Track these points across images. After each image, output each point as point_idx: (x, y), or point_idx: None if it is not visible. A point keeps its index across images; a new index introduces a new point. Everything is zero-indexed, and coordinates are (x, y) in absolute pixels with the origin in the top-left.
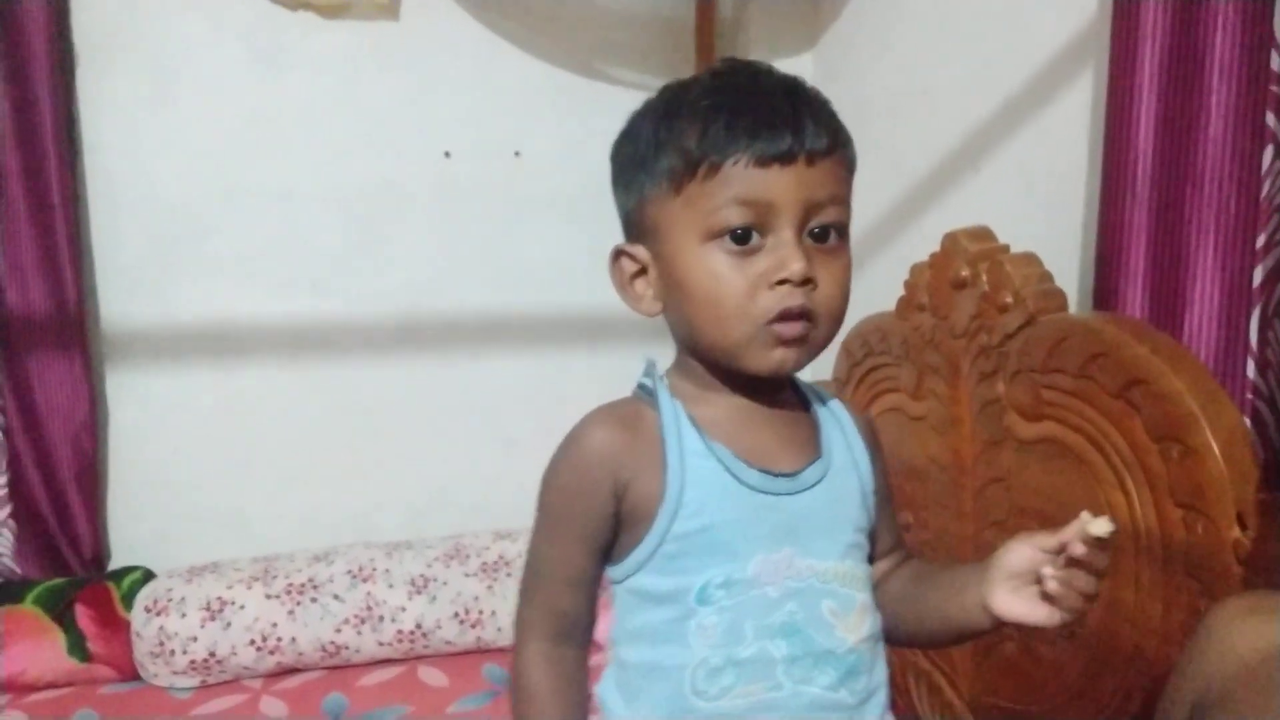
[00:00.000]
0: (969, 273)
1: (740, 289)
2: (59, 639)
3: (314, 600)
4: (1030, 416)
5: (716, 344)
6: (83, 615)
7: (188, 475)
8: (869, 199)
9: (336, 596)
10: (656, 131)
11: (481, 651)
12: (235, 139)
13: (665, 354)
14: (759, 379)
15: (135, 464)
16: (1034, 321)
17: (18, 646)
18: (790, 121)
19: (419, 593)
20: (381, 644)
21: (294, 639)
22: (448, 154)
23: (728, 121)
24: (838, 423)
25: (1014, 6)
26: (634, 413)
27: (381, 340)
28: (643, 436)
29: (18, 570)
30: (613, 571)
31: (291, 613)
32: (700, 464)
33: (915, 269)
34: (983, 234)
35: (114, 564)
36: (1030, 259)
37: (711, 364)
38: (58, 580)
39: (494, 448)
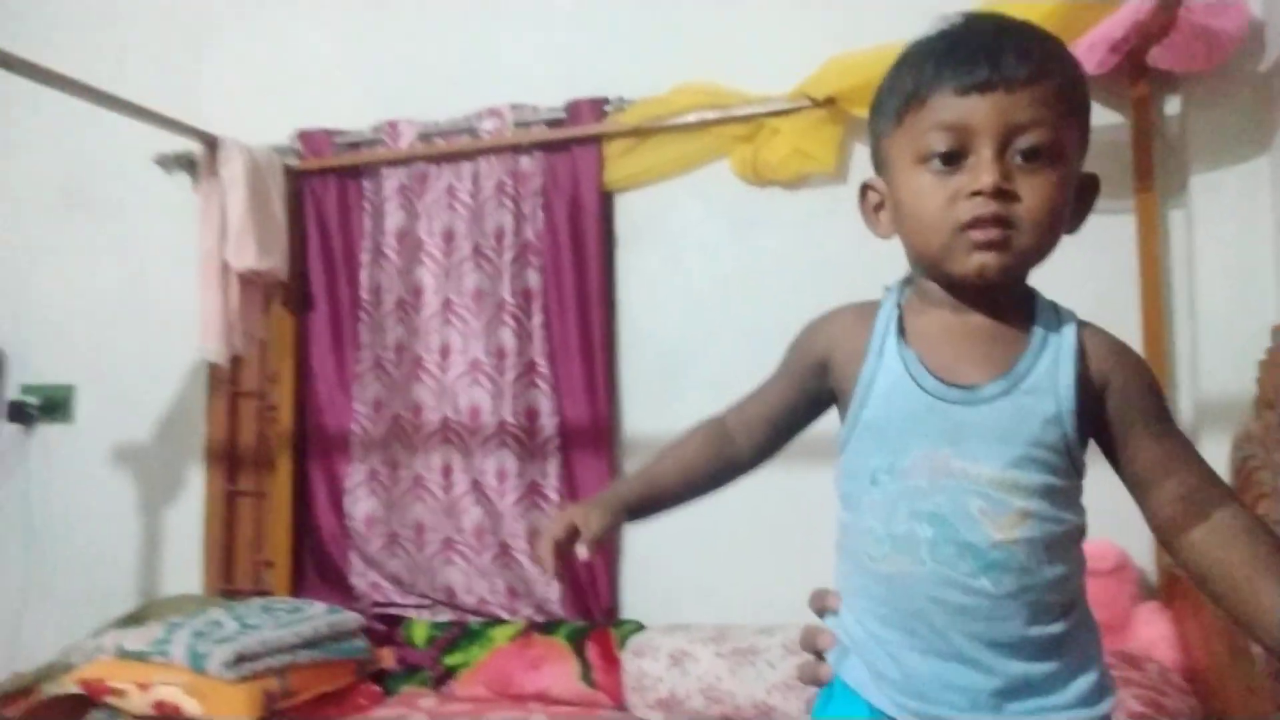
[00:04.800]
0: None
1: (940, 201)
2: (575, 667)
3: (752, 664)
4: None
5: (923, 253)
6: (592, 651)
7: (674, 554)
8: None
9: (770, 664)
10: (889, 80)
11: None
12: (720, 289)
13: None
14: (974, 290)
15: (639, 542)
16: None
17: (549, 667)
18: (989, 54)
19: None
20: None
21: (732, 693)
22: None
23: (936, 60)
24: (1056, 347)
25: None
26: (869, 311)
27: (823, 449)
28: (865, 331)
29: (561, 613)
30: (840, 445)
31: (734, 671)
32: (890, 365)
33: (1261, 366)
34: None
35: (621, 615)
36: None
37: (936, 278)
38: (581, 623)
39: None
